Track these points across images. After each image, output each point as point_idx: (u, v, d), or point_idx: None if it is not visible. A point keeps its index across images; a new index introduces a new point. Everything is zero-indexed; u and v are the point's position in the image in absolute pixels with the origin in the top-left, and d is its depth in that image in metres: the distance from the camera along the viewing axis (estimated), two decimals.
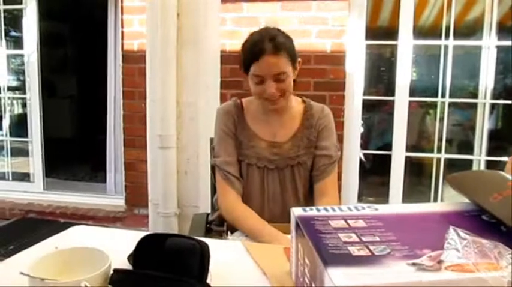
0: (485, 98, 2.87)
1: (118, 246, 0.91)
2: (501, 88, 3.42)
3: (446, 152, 2.96)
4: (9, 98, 3.75)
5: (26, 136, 3.51)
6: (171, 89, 2.33)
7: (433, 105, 3.37)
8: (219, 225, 1.46)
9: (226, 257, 0.99)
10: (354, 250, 0.67)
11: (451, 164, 2.98)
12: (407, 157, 2.94)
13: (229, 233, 1.40)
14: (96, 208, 3.34)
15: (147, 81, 2.42)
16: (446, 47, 2.84)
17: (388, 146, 2.97)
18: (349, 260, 0.64)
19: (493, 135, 3.04)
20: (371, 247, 0.68)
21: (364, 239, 0.71)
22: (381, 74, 4.09)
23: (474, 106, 2.99)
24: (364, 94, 2.95)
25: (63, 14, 5.25)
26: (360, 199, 3.09)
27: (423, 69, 3.98)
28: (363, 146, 3.14)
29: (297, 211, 0.83)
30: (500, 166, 2.81)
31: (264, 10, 2.86)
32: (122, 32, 3.11)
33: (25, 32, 3.39)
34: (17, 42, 3.73)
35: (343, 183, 2.93)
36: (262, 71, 1.28)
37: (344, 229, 0.74)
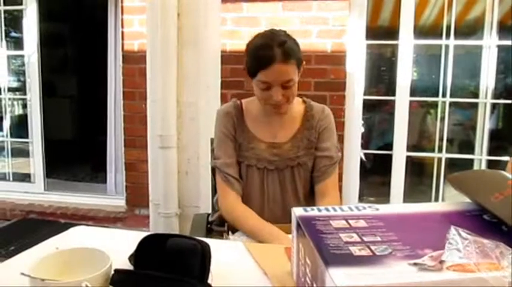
0: (486, 98, 2.87)
1: (119, 246, 0.91)
2: (502, 88, 3.41)
3: (447, 151, 2.96)
4: (9, 98, 3.75)
5: (27, 137, 3.52)
6: (172, 89, 2.33)
7: (434, 105, 3.37)
8: (220, 225, 1.46)
9: (227, 257, 0.99)
10: (355, 250, 0.67)
11: (452, 164, 2.98)
12: (408, 157, 2.94)
13: (230, 233, 1.39)
14: (97, 208, 3.34)
15: (147, 82, 2.42)
16: (447, 46, 2.84)
17: (389, 146, 2.97)
18: (350, 260, 0.64)
19: (493, 135, 3.04)
20: (372, 247, 0.68)
21: (365, 239, 0.70)
22: (382, 73, 4.09)
23: (475, 106, 2.99)
24: (365, 94, 2.95)
25: (63, 14, 5.25)
26: (360, 198, 3.09)
27: (424, 69, 3.97)
28: (364, 146, 3.14)
29: (298, 211, 0.83)
30: (501, 165, 2.81)
31: (264, 10, 2.86)
32: (122, 32, 3.11)
33: (25, 32, 3.40)
34: (17, 43, 3.74)
35: (344, 183, 2.93)
36: (270, 78, 1.25)
37: (345, 229, 0.74)
